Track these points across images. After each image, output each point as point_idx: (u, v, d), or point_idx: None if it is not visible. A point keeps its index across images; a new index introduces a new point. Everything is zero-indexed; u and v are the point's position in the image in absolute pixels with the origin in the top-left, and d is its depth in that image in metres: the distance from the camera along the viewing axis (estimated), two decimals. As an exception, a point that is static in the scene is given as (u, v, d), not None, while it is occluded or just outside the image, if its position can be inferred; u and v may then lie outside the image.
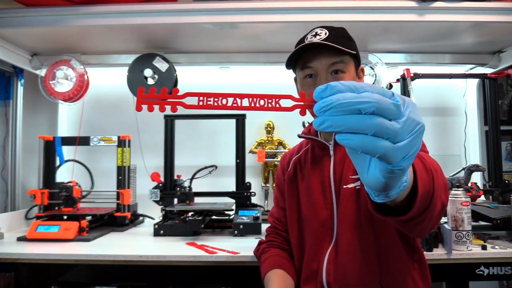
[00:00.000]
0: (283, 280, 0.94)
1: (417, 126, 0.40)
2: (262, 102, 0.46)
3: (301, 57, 0.93)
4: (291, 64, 0.96)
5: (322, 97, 0.39)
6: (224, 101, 0.46)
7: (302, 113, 0.46)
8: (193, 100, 0.46)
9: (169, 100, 0.46)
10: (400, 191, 0.46)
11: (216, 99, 0.46)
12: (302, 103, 0.46)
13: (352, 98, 0.38)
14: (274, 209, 1.14)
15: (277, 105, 0.45)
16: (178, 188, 1.67)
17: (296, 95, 0.47)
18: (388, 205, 0.57)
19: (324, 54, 0.89)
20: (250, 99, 0.46)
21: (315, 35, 0.91)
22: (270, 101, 0.45)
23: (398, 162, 0.40)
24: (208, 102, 0.46)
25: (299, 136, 1.07)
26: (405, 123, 0.39)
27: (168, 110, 0.45)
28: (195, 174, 1.73)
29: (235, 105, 0.46)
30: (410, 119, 0.39)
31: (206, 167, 1.76)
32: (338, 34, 0.92)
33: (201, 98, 0.46)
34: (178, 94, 0.47)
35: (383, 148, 0.38)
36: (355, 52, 0.92)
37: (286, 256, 1.03)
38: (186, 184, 1.85)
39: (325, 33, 0.90)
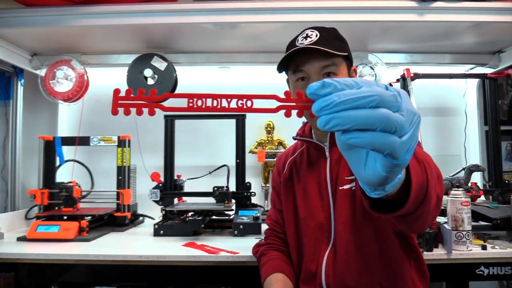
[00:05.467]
0: (284, 284, 0.94)
1: (415, 116, 0.39)
2: (234, 103, 0.44)
3: (293, 60, 0.93)
4: (283, 66, 0.96)
5: (319, 95, 0.37)
6: (199, 103, 0.44)
7: (287, 114, 0.45)
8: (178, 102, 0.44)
9: (145, 102, 0.44)
10: (396, 184, 0.45)
11: (191, 101, 0.44)
12: (288, 104, 0.44)
13: (354, 94, 0.36)
14: (272, 211, 1.14)
15: (250, 106, 0.44)
16: (216, 188, 1.65)
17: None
18: (384, 201, 0.57)
19: (315, 57, 0.89)
20: (229, 99, 0.44)
21: (306, 37, 0.91)
22: (242, 102, 0.44)
23: (403, 156, 0.38)
24: (190, 104, 0.44)
25: (294, 138, 1.07)
26: (406, 114, 0.37)
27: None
28: (228, 174, 1.75)
29: (216, 106, 0.44)
30: (409, 110, 0.38)
31: (223, 166, 1.78)
32: (329, 35, 0.92)
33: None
34: (158, 95, 0.45)
35: (392, 143, 0.36)
36: (346, 54, 0.92)
37: (285, 259, 1.03)
38: (186, 184, 1.85)
39: (316, 35, 0.90)
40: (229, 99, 0.44)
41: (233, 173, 1.76)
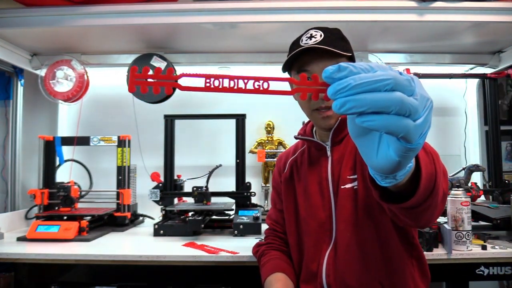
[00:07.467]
0: (285, 283, 0.94)
1: (428, 101, 0.39)
2: (251, 85, 0.44)
3: (297, 60, 0.92)
4: (286, 66, 0.96)
5: (334, 78, 0.38)
6: (216, 83, 0.44)
7: (303, 96, 0.45)
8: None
9: (163, 80, 0.45)
10: (406, 172, 0.46)
11: (208, 81, 0.45)
12: (304, 87, 0.45)
13: (370, 77, 0.36)
14: (272, 210, 1.14)
15: (267, 88, 0.44)
16: (195, 188, 1.65)
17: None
18: (393, 193, 0.58)
19: (320, 58, 0.89)
20: (246, 80, 0.44)
21: (310, 37, 0.91)
22: (258, 84, 0.44)
23: (417, 139, 0.39)
24: (207, 84, 0.45)
25: (296, 138, 1.07)
26: (420, 98, 0.38)
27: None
28: (210, 174, 1.73)
29: (233, 87, 0.45)
30: (422, 95, 0.39)
31: (217, 166, 1.77)
32: (334, 36, 0.92)
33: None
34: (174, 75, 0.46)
35: (406, 126, 0.37)
36: (350, 54, 0.92)
37: (286, 259, 1.03)
38: (186, 184, 1.85)
39: (320, 35, 0.90)
40: (245, 80, 0.44)
41: (233, 173, 1.76)
